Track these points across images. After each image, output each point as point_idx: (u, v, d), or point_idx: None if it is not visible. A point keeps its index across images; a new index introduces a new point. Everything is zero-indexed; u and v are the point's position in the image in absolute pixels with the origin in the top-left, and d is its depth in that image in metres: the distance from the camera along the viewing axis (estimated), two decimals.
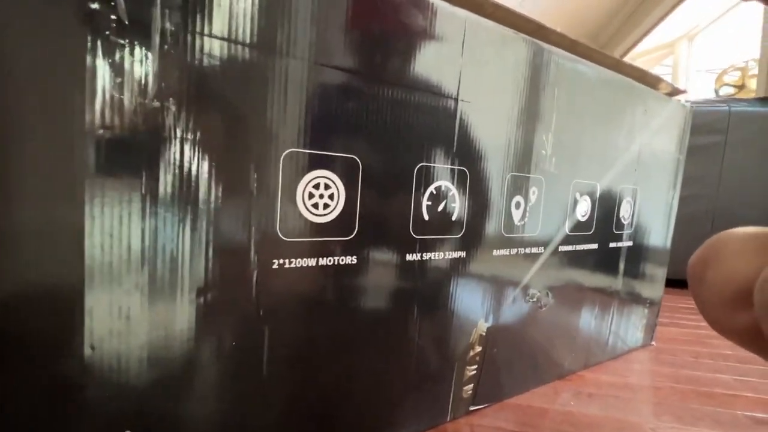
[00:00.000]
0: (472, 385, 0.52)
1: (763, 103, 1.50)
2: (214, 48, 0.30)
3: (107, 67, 0.26)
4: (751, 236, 0.25)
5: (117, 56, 0.26)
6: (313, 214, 0.36)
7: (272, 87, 0.33)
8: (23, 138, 0.25)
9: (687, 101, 0.80)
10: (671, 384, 0.67)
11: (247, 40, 0.31)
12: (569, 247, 0.60)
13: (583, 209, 0.61)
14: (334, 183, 0.37)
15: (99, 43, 0.25)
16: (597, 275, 0.67)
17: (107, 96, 0.26)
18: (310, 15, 0.33)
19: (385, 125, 0.39)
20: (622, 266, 0.72)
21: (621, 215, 0.69)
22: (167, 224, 0.30)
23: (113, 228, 0.27)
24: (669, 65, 3.37)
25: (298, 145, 0.35)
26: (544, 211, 0.55)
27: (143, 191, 0.28)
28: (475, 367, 0.52)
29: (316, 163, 0.36)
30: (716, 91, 2.26)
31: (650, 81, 0.72)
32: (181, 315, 0.31)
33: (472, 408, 0.53)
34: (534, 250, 0.55)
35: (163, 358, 0.31)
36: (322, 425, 0.41)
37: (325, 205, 0.37)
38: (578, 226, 0.61)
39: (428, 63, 0.41)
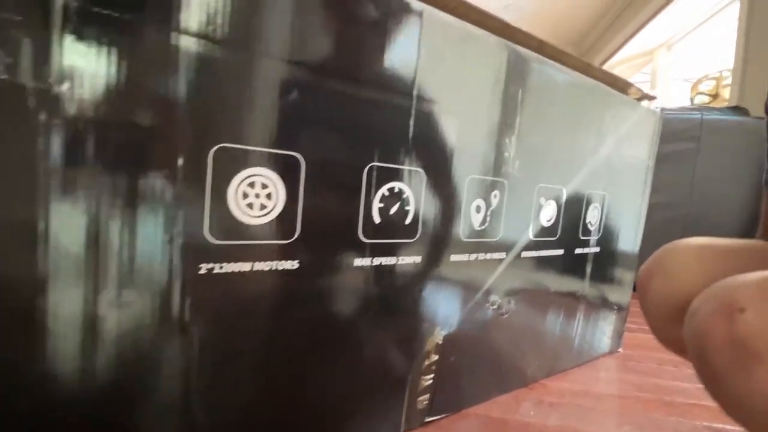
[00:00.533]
0: (428, 395, 0.50)
1: (735, 112, 1.53)
2: (137, 32, 0.27)
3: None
4: (695, 249, 0.23)
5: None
6: (248, 215, 0.33)
7: (202, 76, 0.30)
8: None
9: (657, 107, 0.80)
10: (636, 393, 0.66)
11: (181, 26, 0.28)
12: (533, 253, 0.59)
13: (548, 214, 0.60)
14: (273, 182, 0.34)
15: None
16: (563, 281, 0.66)
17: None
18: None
19: (331, 122, 0.37)
20: (588, 272, 0.71)
21: (588, 221, 0.68)
22: (81, 224, 0.27)
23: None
24: (648, 73, 3.43)
25: (230, 139, 0.32)
26: (506, 215, 0.53)
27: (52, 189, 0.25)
28: (431, 376, 0.49)
29: (251, 160, 0.33)
30: (691, 100, 2.30)
31: (620, 86, 0.71)
32: (107, 323, 0.28)
33: (427, 419, 0.51)
34: (495, 255, 0.53)
35: (94, 367, 0.28)
36: None
37: (262, 206, 0.34)
38: (543, 231, 0.59)
39: (380, 57, 0.39)
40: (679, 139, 1.48)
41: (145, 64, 0.28)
